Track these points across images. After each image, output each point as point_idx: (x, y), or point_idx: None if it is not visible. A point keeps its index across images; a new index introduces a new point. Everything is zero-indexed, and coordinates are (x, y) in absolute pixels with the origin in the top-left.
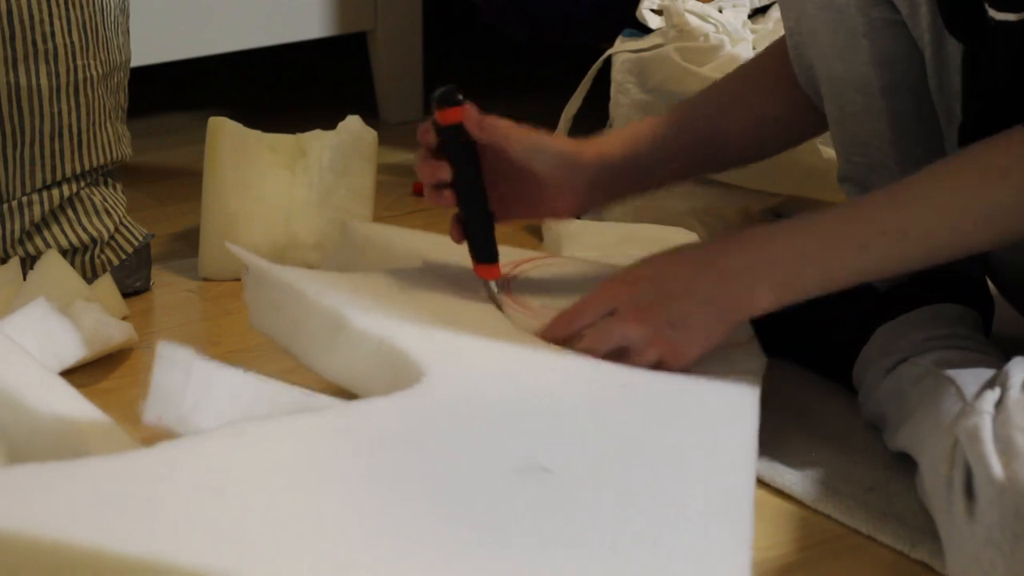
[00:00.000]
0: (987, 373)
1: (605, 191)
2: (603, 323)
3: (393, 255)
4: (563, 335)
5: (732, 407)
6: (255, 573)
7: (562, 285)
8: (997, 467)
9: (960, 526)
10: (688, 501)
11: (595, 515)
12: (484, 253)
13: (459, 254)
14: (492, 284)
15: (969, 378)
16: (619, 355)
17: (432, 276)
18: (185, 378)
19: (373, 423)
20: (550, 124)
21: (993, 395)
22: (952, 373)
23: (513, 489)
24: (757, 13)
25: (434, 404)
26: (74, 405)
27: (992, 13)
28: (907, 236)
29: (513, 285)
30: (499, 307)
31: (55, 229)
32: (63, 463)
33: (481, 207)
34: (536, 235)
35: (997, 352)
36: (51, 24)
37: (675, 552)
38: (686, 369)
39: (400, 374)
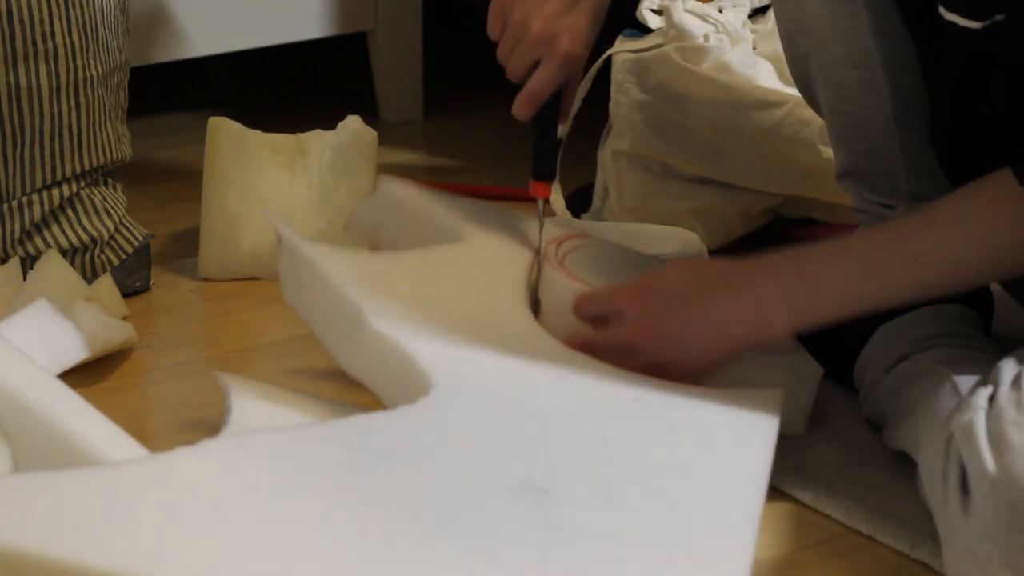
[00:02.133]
0: (984, 370)
1: None
2: (612, 328)
3: (426, 226)
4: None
5: (749, 421)
6: None
7: (606, 265)
8: (990, 461)
9: (955, 521)
10: (691, 515)
11: (593, 532)
12: (546, 170)
13: (491, 228)
14: (540, 203)
15: (966, 375)
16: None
17: (462, 260)
18: None
19: (376, 437)
20: None
21: (986, 391)
22: (951, 370)
23: (511, 507)
24: (757, 13)
25: (439, 419)
26: (74, 406)
27: (942, 12)
28: (923, 270)
29: (560, 257)
30: (540, 231)
31: (55, 229)
32: (53, 473)
33: (554, 124)
34: None
35: (996, 350)
36: (51, 24)
37: (672, 566)
38: (697, 380)
39: (409, 382)
